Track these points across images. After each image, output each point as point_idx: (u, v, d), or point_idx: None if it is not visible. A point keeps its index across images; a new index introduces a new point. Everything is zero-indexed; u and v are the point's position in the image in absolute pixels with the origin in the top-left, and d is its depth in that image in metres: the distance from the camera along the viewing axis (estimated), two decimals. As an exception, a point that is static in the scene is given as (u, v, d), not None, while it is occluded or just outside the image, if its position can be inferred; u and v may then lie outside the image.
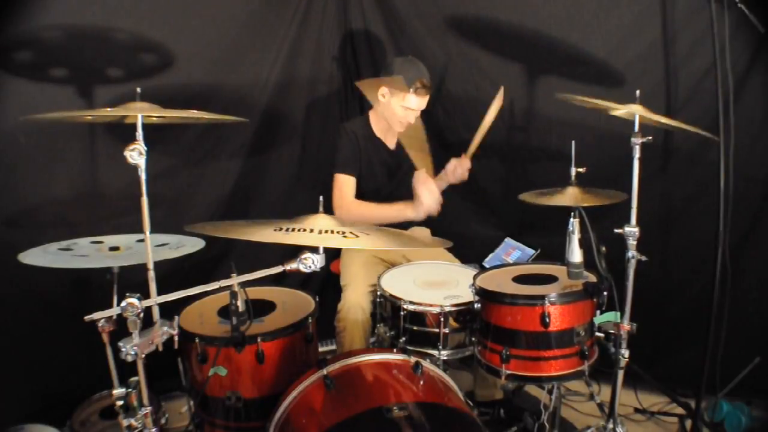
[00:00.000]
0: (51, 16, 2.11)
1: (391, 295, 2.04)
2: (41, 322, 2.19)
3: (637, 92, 1.92)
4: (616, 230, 1.84)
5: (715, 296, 2.11)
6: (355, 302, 2.10)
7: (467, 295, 1.94)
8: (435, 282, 2.20)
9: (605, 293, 1.79)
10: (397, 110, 2.33)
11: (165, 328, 1.42)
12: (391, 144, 2.52)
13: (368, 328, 2.13)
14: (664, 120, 1.92)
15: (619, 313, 1.84)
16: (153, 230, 1.49)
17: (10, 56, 2.09)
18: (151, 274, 1.49)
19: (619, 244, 1.85)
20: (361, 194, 2.45)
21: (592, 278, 1.82)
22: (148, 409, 1.43)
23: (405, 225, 2.60)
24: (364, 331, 2.10)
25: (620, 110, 1.96)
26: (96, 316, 1.29)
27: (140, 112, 1.46)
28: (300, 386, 1.54)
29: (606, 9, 2.44)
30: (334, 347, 2.39)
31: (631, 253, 1.84)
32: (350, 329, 2.08)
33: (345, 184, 2.38)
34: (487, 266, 2.47)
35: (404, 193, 2.57)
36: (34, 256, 1.73)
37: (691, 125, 1.92)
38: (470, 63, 2.83)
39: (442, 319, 1.95)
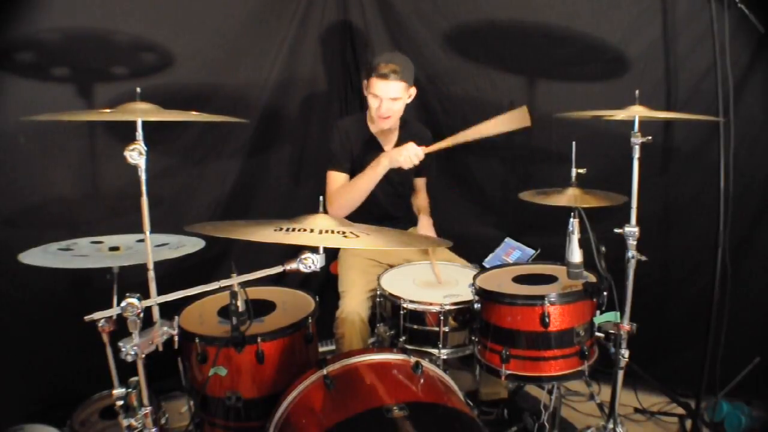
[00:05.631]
0: (51, 17, 2.10)
1: (390, 294, 2.04)
2: (41, 322, 2.19)
3: (636, 92, 1.92)
4: (616, 230, 1.84)
5: (715, 296, 2.12)
6: (352, 310, 2.10)
7: (467, 294, 1.94)
8: (434, 282, 2.20)
9: (605, 293, 1.80)
10: (371, 101, 2.30)
11: (165, 328, 1.42)
12: (387, 145, 2.48)
13: (366, 334, 2.14)
14: (664, 115, 1.91)
15: (619, 313, 1.84)
16: (153, 230, 1.49)
17: (10, 56, 2.09)
18: (151, 274, 1.50)
19: (619, 244, 1.85)
20: None
21: (592, 278, 1.82)
22: (148, 409, 1.43)
23: (405, 225, 2.60)
24: (362, 338, 2.10)
25: (620, 115, 1.95)
26: (96, 316, 1.29)
27: (141, 116, 1.45)
28: (300, 386, 1.54)
29: (607, 8, 2.44)
30: (334, 347, 2.38)
31: (631, 253, 1.84)
32: (348, 336, 2.08)
33: (335, 180, 2.37)
34: (487, 266, 2.47)
35: (398, 196, 2.57)
36: (34, 256, 1.74)
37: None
38: (470, 63, 2.82)
39: (441, 318, 1.95)
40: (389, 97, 2.25)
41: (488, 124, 2.18)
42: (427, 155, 2.61)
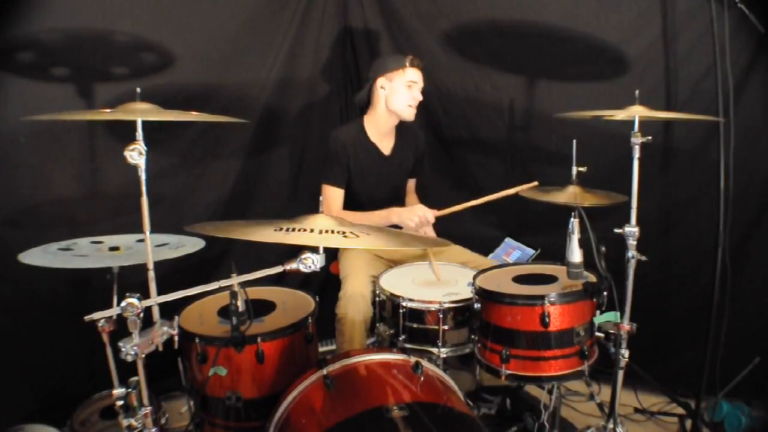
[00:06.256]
0: (51, 17, 2.10)
1: (390, 293, 2.04)
2: (41, 322, 2.19)
3: (636, 92, 1.92)
4: (616, 230, 1.84)
5: (715, 296, 2.12)
6: (355, 290, 2.09)
7: (466, 293, 1.95)
8: (434, 280, 2.20)
9: (605, 293, 1.80)
10: (402, 92, 2.36)
11: (165, 328, 1.42)
12: (385, 150, 2.49)
13: (369, 317, 2.10)
14: (664, 115, 1.91)
15: (619, 313, 1.84)
16: (153, 230, 1.49)
17: (10, 56, 2.09)
18: (151, 274, 1.50)
19: (619, 244, 1.85)
20: (356, 200, 2.44)
21: (592, 278, 1.82)
22: (148, 409, 1.43)
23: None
24: (364, 319, 2.08)
25: (620, 115, 1.95)
26: (96, 316, 1.30)
27: (141, 116, 1.46)
28: (300, 386, 1.54)
29: (607, 9, 2.44)
30: (334, 347, 2.38)
31: (631, 253, 1.84)
32: (351, 316, 2.06)
33: (331, 196, 2.39)
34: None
35: (397, 199, 2.57)
36: (34, 256, 1.74)
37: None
38: (470, 63, 2.83)
39: (441, 316, 1.95)
40: (421, 84, 2.40)
41: (498, 194, 2.31)
42: (422, 157, 2.64)
